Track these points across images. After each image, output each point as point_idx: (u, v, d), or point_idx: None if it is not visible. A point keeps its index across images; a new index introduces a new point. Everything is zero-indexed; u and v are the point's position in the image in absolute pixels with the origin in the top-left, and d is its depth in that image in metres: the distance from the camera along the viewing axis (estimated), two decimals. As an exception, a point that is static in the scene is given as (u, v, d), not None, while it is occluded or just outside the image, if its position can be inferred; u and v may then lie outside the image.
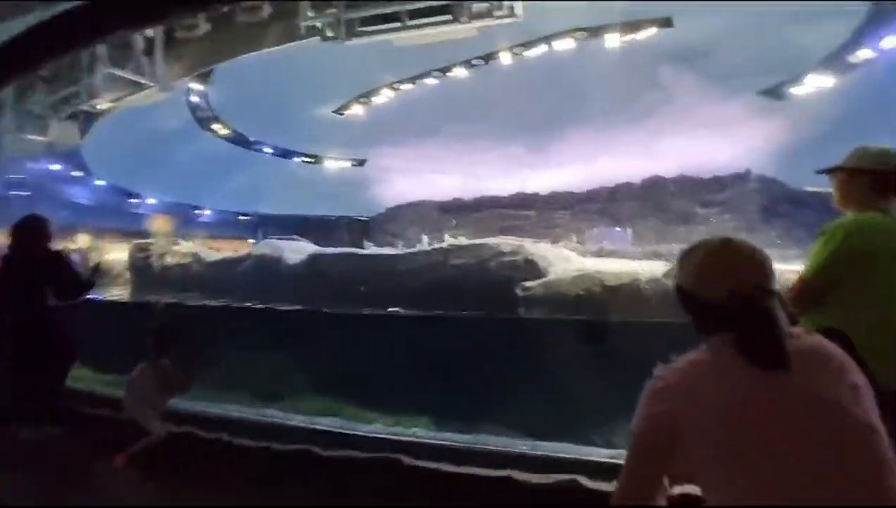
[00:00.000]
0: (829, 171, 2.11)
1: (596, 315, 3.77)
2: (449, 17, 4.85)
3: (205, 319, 4.63)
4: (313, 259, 5.23)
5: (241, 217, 23.07)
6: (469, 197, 22.23)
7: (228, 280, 5.71)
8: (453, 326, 3.49)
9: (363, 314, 4.03)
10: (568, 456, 2.60)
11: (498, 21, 4.92)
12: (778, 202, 16.92)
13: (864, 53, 12.15)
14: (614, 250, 12.99)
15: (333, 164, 22.60)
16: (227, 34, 6.71)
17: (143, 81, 6.36)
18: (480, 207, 21.91)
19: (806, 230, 16.25)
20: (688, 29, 13.47)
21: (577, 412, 3.26)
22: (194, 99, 16.56)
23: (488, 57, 15.76)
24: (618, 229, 15.79)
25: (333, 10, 5.36)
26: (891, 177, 1.91)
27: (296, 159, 22.08)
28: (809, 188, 16.50)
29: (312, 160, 22.38)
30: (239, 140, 19.92)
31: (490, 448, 2.63)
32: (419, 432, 2.97)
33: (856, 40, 12.28)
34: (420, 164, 22.43)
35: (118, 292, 6.71)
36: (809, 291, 1.84)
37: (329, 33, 5.53)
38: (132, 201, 19.25)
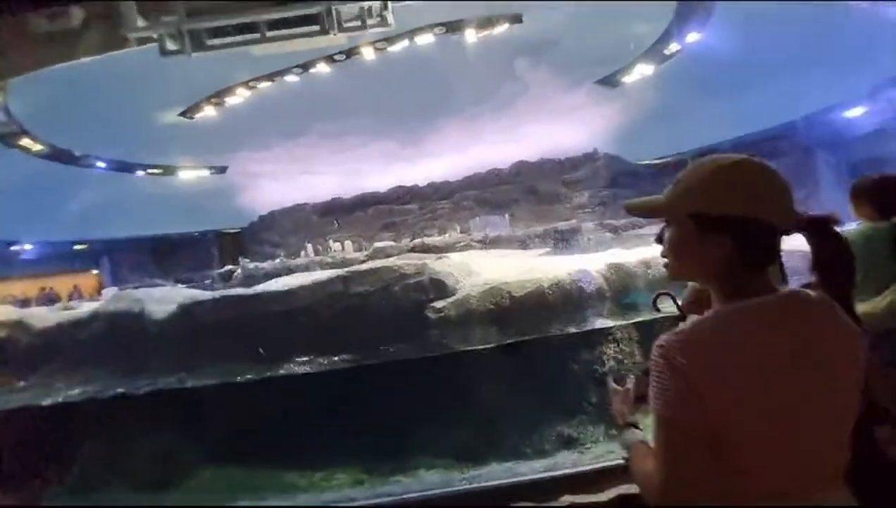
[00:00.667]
0: None
1: (507, 326, 3.92)
2: (316, 27, 4.42)
3: (46, 417, 3.68)
4: (185, 311, 4.46)
5: (77, 247, 19.41)
6: (348, 196, 21.63)
7: (72, 352, 4.57)
8: (364, 373, 3.32)
9: (262, 379, 3.60)
10: (506, 483, 2.68)
11: (370, 30, 4.68)
12: (620, 175, 19.58)
13: (674, 46, 14.32)
14: (498, 237, 13.71)
15: (188, 174, 20.09)
16: (19, 45, 5.37)
17: None
18: (361, 204, 21.47)
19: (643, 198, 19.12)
20: (534, 24, 14.57)
21: (504, 429, 3.37)
22: (-13, 111, 13.31)
23: (350, 52, 15.28)
24: (496, 215, 16.70)
25: (172, 19, 4.50)
26: None
27: (140, 173, 19.13)
28: (642, 161, 19.43)
29: (161, 172, 19.62)
30: (60, 156, 16.56)
31: (429, 495, 2.58)
32: (351, 493, 2.79)
33: (667, 35, 14.43)
34: (290, 166, 21.12)
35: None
36: None
37: (171, 46, 4.67)
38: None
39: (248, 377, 3.69)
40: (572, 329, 3.76)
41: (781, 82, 14.29)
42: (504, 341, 3.65)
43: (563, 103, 19.01)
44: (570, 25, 15.51)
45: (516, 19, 14.25)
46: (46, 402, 3.83)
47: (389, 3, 4.22)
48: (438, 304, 3.98)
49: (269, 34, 4.42)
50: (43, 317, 5.54)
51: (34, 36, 5.26)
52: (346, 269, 4.46)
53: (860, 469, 0.94)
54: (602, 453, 3.08)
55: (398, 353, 3.69)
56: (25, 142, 15.34)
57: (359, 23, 4.40)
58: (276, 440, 3.47)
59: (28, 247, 18.04)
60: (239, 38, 4.52)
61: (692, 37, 13.70)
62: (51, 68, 6.78)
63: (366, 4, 4.28)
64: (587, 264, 4.38)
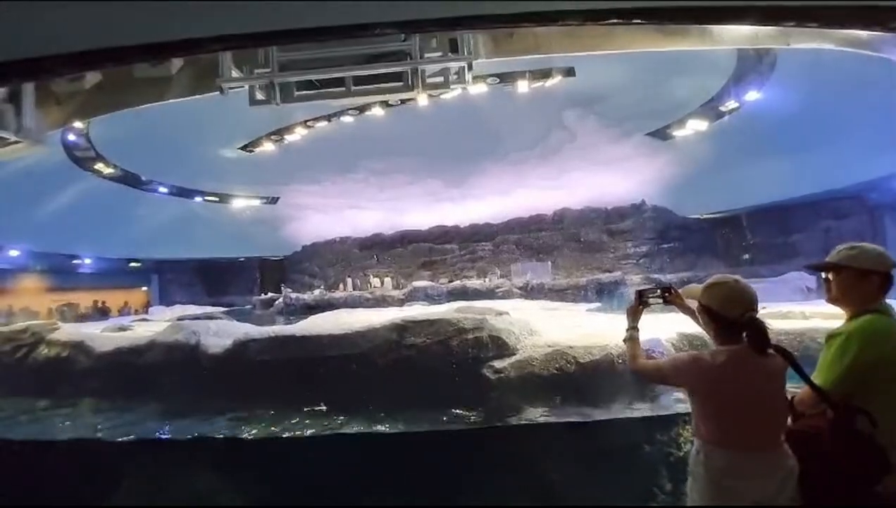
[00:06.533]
0: (827, 268, 2.03)
1: (570, 394, 3.69)
2: (400, 84, 4.52)
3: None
4: (242, 347, 4.48)
5: (131, 264, 20.41)
6: (389, 232, 21.96)
7: (128, 378, 4.64)
8: (417, 438, 3.14)
9: (313, 437, 3.49)
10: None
11: (451, 90, 4.76)
12: (669, 228, 19.06)
13: (731, 103, 14.12)
14: (540, 285, 13.43)
15: (242, 202, 21.02)
16: (120, 86, 5.78)
17: (6, 136, 5.03)
18: (401, 241, 21.71)
19: (693, 253, 18.50)
20: (587, 78, 14.75)
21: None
22: (71, 137, 14.44)
23: (405, 98, 15.84)
24: (538, 262, 16.44)
25: (265, 72, 4.69)
26: (892, 278, 1.94)
27: (198, 199, 20.16)
28: (692, 215, 18.87)
29: (217, 199, 20.62)
30: (128, 180, 17.71)
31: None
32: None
33: (725, 92, 14.29)
34: (337, 200, 21.78)
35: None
36: (827, 401, 1.78)
37: (259, 96, 4.89)
38: (-11, 253, 16.07)
39: (298, 433, 3.60)
40: (640, 405, 3.49)
41: (842, 144, 13.72)
42: (567, 409, 3.43)
43: (610, 154, 18.92)
44: (622, 80, 15.61)
45: (569, 73, 14.47)
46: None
47: (472, 63, 4.31)
48: (498, 363, 3.82)
49: (355, 89, 4.55)
50: (103, 341, 5.66)
51: (135, 78, 5.67)
52: (403, 318, 4.39)
53: None
54: (681, 552, 2.74)
55: (456, 419, 3.52)
56: (99, 166, 16.52)
57: (441, 79, 4.49)
58: (320, 498, 3.31)
59: (87, 261, 19.10)
60: (325, 91, 4.67)
61: (751, 95, 13.49)
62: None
63: (450, 66, 4.39)
64: (654, 330, 4.10)
